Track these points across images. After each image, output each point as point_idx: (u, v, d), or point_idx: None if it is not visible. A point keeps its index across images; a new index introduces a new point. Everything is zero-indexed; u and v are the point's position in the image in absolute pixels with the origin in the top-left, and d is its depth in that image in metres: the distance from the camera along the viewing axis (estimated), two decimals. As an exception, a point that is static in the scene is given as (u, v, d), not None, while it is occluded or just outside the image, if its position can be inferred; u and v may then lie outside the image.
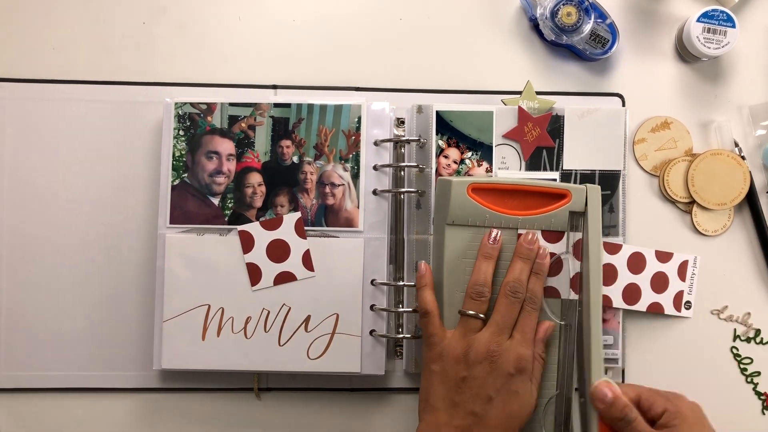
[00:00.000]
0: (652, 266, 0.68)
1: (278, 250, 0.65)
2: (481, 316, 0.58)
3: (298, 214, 0.65)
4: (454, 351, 0.57)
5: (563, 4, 0.67)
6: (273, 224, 0.65)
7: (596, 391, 0.55)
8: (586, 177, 0.68)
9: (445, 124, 0.66)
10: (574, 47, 0.69)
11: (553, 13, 0.67)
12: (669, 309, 0.69)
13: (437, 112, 0.66)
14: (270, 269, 0.64)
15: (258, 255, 0.65)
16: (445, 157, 0.66)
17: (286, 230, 0.65)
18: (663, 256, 0.69)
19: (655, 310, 0.69)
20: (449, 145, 0.66)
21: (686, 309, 0.70)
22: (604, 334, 0.67)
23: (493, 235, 0.60)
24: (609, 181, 0.68)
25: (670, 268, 0.69)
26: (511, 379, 0.56)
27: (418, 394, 0.59)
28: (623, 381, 0.70)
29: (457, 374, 0.57)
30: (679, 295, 0.69)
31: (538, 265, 0.60)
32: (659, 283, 0.69)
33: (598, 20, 0.68)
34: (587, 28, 0.67)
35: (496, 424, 0.56)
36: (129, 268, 0.68)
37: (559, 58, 0.72)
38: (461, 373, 0.57)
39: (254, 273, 0.65)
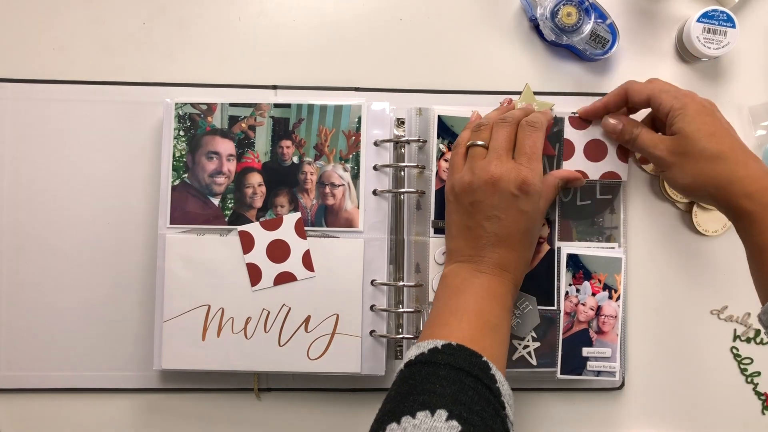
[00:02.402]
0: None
1: (278, 251, 0.65)
2: (485, 144, 0.60)
3: (298, 215, 0.65)
4: (462, 179, 0.59)
5: (563, 5, 0.67)
6: (273, 224, 0.65)
7: (605, 124, 0.66)
8: (587, 183, 0.67)
9: (446, 129, 0.66)
10: (574, 47, 0.69)
11: (553, 14, 0.67)
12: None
13: (439, 117, 0.66)
14: (270, 269, 0.65)
15: (258, 255, 0.65)
16: (446, 160, 0.66)
17: (286, 230, 0.65)
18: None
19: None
20: (450, 149, 0.66)
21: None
22: (602, 347, 0.67)
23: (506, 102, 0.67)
24: (611, 186, 0.68)
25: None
26: (516, 200, 0.57)
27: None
28: (623, 383, 0.70)
29: (466, 200, 0.59)
30: None
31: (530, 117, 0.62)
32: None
33: (598, 20, 0.68)
34: (587, 28, 0.67)
35: (511, 241, 0.58)
36: (129, 268, 0.68)
37: (559, 58, 0.72)
38: (469, 199, 0.58)
39: (254, 273, 0.65)
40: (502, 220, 0.57)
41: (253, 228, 0.65)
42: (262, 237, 0.65)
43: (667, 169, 0.61)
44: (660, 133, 0.63)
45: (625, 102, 0.65)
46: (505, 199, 0.57)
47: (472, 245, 0.58)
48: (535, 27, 0.71)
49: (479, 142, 0.60)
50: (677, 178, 0.60)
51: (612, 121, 0.65)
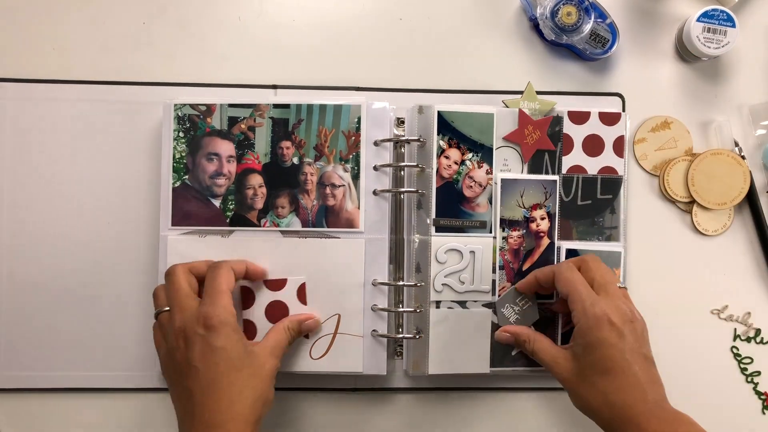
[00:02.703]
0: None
1: (277, 312, 0.64)
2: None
3: (302, 279, 0.64)
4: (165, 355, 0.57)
5: (563, 4, 0.67)
6: (277, 285, 0.64)
7: (499, 338, 0.65)
8: (587, 180, 0.68)
9: (446, 125, 0.66)
10: (574, 47, 0.69)
11: (553, 13, 0.67)
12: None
13: (439, 113, 0.66)
14: (265, 329, 0.63)
15: (257, 314, 0.64)
16: (446, 157, 0.66)
17: (288, 294, 0.64)
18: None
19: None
20: (450, 146, 0.66)
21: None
22: None
23: None
24: (611, 185, 0.68)
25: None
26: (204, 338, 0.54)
27: None
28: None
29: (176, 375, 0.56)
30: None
31: None
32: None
33: (598, 20, 0.68)
34: (587, 27, 0.67)
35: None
36: (130, 269, 0.68)
37: (559, 58, 0.71)
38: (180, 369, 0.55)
39: (249, 329, 0.64)
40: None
41: (255, 286, 0.64)
42: (263, 296, 0.64)
43: (564, 385, 0.58)
44: (559, 350, 0.60)
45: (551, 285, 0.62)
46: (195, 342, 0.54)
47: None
48: (535, 26, 0.71)
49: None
50: (572, 399, 0.57)
51: (502, 334, 0.65)
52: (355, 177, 0.65)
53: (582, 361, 0.55)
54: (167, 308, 0.57)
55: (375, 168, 0.66)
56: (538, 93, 0.68)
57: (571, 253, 0.67)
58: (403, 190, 0.66)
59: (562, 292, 0.59)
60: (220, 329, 0.53)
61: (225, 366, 0.53)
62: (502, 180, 0.66)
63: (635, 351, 0.55)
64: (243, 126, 0.66)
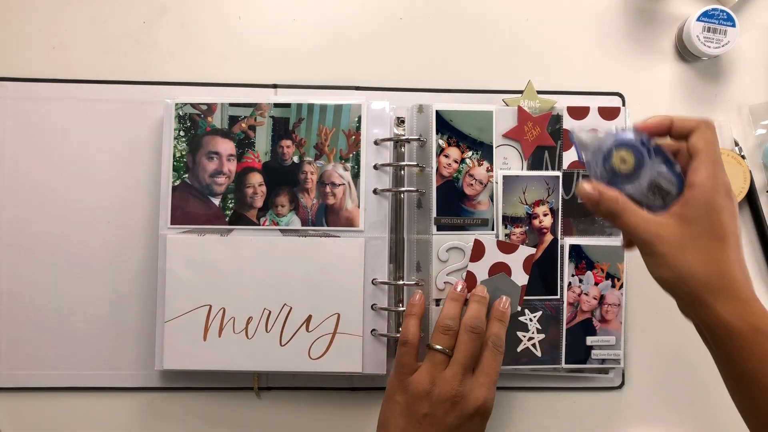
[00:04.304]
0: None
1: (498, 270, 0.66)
2: (447, 351, 0.59)
3: (532, 250, 0.66)
4: (419, 386, 0.57)
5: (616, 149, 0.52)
6: (509, 248, 0.65)
7: (580, 191, 0.52)
8: (587, 177, 0.67)
9: (445, 124, 0.66)
10: None
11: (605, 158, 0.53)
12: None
13: (437, 112, 0.66)
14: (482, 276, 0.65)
15: (480, 269, 0.65)
16: (446, 156, 0.66)
17: (515, 260, 0.66)
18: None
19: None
20: (449, 145, 0.66)
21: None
22: (606, 335, 0.67)
23: (459, 287, 0.63)
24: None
25: None
26: (470, 420, 0.57)
27: (378, 417, 0.59)
28: (623, 382, 0.70)
29: (420, 410, 0.57)
30: None
31: (500, 313, 0.62)
32: None
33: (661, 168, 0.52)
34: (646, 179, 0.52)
35: None
36: (130, 268, 0.68)
37: (559, 57, 0.71)
38: (423, 410, 0.57)
39: (470, 280, 0.65)
40: None
41: (489, 242, 0.65)
42: (493, 254, 0.65)
43: (652, 255, 0.51)
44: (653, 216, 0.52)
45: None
46: (460, 419, 0.56)
47: None
48: None
49: (439, 347, 0.59)
50: (658, 268, 0.51)
51: (587, 187, 0.52)
52: (355, 176, 0.65)
53: (696, 226, 0.50)
54: (449, 351, 0.59)
55: (375, 167, 0.66)
56: (538, 92, 0.68)
57: (575, 249, 0.67)
58: (403, 189, 0.66)
59: (697, 145, 0.51)
60: (485, 420, 0.58)
61: None
62: (504, 177, 0.66)
63: (740, 230, 0.52)
64: (243, 125, 0.66)
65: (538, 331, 0.67)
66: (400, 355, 0.60)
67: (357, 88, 0.70)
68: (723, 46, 0.68)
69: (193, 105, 0.66)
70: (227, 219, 0.65)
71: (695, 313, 0.51)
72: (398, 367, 0.59)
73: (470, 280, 0.65)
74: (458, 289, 0.63)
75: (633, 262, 0.70)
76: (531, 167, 0.67)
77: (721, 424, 0.71)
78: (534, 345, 0.67)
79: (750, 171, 0.70)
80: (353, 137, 0.66)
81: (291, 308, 0.65)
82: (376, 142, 0.66)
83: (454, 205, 0.66)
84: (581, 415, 0.70)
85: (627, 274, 0.68)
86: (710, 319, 0.49)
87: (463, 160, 0.66)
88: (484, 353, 0.59)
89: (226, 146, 0.65)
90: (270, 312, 0.65)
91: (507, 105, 0.68)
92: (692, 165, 0.51)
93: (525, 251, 0.65)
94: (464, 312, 0.61)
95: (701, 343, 0.71)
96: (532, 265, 0.66)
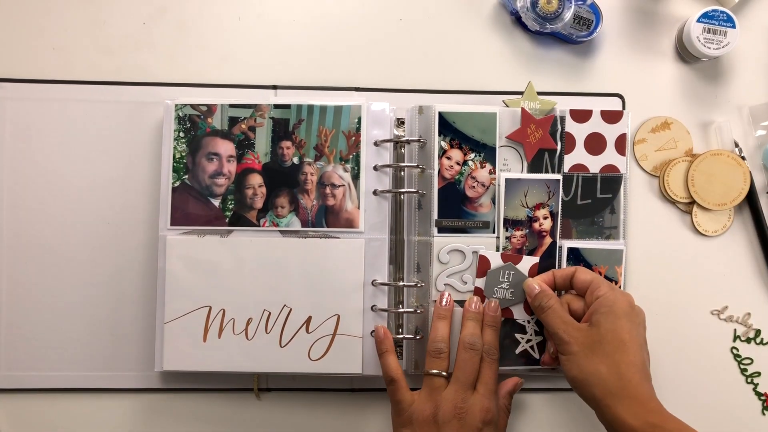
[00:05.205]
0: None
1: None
2: (444, 374, 0.60)
3: (535, 259, 0.66)
4: (423, 413, 0.59)
5: None
6: (514, 260, 0.66)
7: (526, 285, 0.63)
8: (587, 180, 0.68)
9: (447, 125, 0.66)
10: (560, 33, 0.69)
11: (534, 3, 0.67)
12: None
13: (440, 113, 0.66)
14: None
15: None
16: (448, 158, 0.66)
17: (521, 269, 0.65)
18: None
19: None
20: (452, 146, 0.66)
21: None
22: None
23: (444, 299, 0.64)
24: (611, 183, 0.68)
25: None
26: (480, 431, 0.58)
27: None
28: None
29: None
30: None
31: (492, 318, 0.63)
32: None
33: (579, 2, 0.68)
34: (569, 13, 0.67)
35: None
36: (130, 269, 0.68)
37: (548, 47, 0.71)
38: None
39: (478, 293, 0.66)
40: None
41: (493, 256, 0.66)
42: (495, 260, 0.66)
43: (566, 354, 0.59)
44: (573, 319, 0.61)
45: (569, 283, 0.63)
46: None
47: None
48: (518, 20, 0.71)
49: (435, 371, 0.61)
50: (571, 368, 0.58)
51: (533, 284, 0.63)
52: (355, 177, 0.65)
53: (599, 330, 0.57)
54: (445, 374, 0.61)
55: (375, 168, 0.66)
56: (538, 93, 0.68)
57: (573, 252, 0.67)
58: (403, 190, 0.66)
59: (583, 280, 0.61)
60: (492, 427, 0.60)
61: None
62: (506, 180, 0.66)
63: (644, 338, 0.59)
64: (243, 126, 0.66)
65: (536, 333, 0.67)
66: (392, 393, 0.61)
67: (357, 89, 0.70)
68: (723, 47, 0.68)
69: (192, 106, 0.66)
70: (227, 220, 0.65)
71: (600, 413, 0.56)
72: (395, 405, 0.61)
73: (479, 294, 0.65)
74: (443, 303, 0.64)
75: (631, 265, 0.70)
76: (531, 170, 0.67)
77: (721, 425, 0.71)
78: (532, 347, 0.66)
79: (750, 172, 0.70)
80: (353, 138, 0.66)
81: (291, 309, 0.65)
82: (376, 143, 0.66)
83: (456, 207, 0.66)
84: (581, 416, 0.70)
85: (624, 277, 0.68)
86: (612, 419, 0.55)
87: (465, 162, 0.66)
88: (481, 365, 0.61)
89: (226, 147, 0.65)
90: (270, 313, 0.65)
91: (507, 106, 0.68)
92: (591, 287, 0.60)
93: (529, 261, 0.66)
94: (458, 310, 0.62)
95: (701, 345, 0.71)
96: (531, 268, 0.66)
